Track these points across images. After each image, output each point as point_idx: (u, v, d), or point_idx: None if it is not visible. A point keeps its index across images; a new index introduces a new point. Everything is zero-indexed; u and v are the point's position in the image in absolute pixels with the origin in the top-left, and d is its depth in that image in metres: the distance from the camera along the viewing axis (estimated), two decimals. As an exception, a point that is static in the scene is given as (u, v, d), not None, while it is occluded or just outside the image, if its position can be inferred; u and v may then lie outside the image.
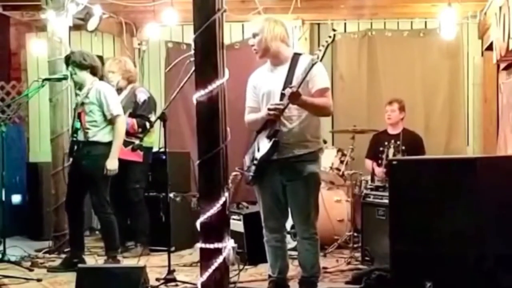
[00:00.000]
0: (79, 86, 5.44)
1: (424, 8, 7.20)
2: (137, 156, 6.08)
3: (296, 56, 4.22)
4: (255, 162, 4.25)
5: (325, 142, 5.16)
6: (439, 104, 7.56)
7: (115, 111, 5.33)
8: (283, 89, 4.10)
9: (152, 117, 6.12)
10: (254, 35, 4.23)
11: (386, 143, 6.32)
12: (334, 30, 3.97)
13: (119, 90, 6.12)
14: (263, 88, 4.31)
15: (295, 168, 4.16)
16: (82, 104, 5.35)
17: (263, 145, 4.20)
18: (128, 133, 6.04)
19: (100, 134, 5.32)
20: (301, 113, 4.13)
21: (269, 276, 4.43)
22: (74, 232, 5.51)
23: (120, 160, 5.90)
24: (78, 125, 5.34)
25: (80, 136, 5.32)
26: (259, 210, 4.44)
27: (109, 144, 5.36)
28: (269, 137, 4.15)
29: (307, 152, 4.18)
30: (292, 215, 4.34)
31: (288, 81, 4.12)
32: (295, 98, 3.99)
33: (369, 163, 6.65)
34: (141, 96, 6.18)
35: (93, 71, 5.37)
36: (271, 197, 4.28)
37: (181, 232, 6.11)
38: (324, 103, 4.15)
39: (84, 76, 5.36)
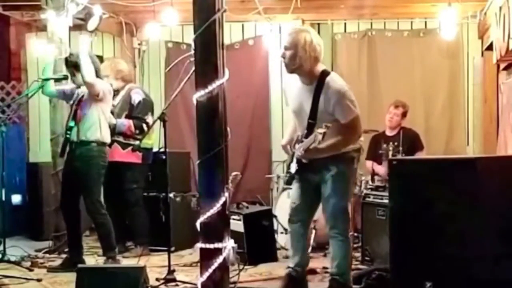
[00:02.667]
0: (78, 87, 5.44)
1: (424, 8, 7.20)
2: (136, 157, 6.08)
3: (322, 76, 4.14)
4: (289, 171, 4.37)
5: None
6: (439, 104, 7.56)
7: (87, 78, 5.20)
8: (310, 117, 4.13)
9: (149, 118, 6.13)
10: (286, 48, 4.13)
11: (384, 145, 6.34)
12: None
13: (116, 92, 6.11)
14: (293, 103, 4.36)
15: (325, 168, 4.22)
16: (79, 102, 5.34)
17: (294, 162, 4.30)
18: (126, 135, 6.05)
19: (92, 131, 5.28)
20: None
21: (288, 266, 4.48)
22: (71, 233, 5.50)
23: (118, 162, 5.91)
24: (72, 123, 5.33)
25: (73, 135, 5.30)
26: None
27: (102, 145, 5.36)
28: (297, 160, 4.26)
29: (336, 153, 4.19)
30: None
31: (314, 108, 4.12)
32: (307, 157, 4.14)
33: (369, 164, 6.65)
34: (136, 98, 6.17)
35: None
36: (300, 192, 4.37)
37: (181, 232, 6.11)
38: (345, 140, 4.13)
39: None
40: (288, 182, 4.47)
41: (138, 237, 6.13)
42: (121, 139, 6.03)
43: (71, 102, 5.48)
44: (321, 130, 3.93)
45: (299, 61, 4.09)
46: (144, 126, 6.05)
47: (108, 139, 5.46)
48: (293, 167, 4.28)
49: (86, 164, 5.30)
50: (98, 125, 5.32)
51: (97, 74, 5.36)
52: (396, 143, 6.28)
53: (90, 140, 5.30)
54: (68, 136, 5.34)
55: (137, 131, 6.05)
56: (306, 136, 4.15)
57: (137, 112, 6.13)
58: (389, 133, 6.63)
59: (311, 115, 4.13)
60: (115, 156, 5.92)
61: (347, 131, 4.12)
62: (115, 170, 5.86)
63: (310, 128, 4.13)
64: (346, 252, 4.32)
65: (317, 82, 4.13)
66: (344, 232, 4.30)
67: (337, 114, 4.09)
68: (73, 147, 5.34)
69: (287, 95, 4.46)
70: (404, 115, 6.62)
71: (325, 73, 4.17)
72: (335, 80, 4.17)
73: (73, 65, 5.35)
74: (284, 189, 6.34)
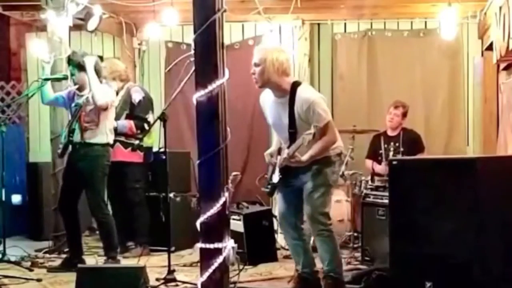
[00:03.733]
0: (79, 87, 5.43)
1: (424, 8, 7.20)
2: (138, 157, 6.09)
3: (294, 88, 4.30)
4: (271, 182, 4.44)
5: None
6: (439, 104, 7.55)
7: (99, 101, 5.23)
8: (289, 127, 4.27)
9: (149, 117, 6.15)
10: (256, 65, 4.31)
11: (386, 145, 6.34)
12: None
13: (116, 92, 6.11)
14: (269, 117, 4.52)
15: (305, 170, 4.32)
16: (82, 105, 5.34)
17: (276, 171, 4.39)
18: (127, 135, 6.05)
19: (97, 135, 5.31)
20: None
21: (296, 270, 4.58)
22: (71, 233, 5.50)
23: (120, 161, 5.91)
24: (76, 125, 5.32)
25: (77, 137, 5.30)
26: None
27: (106, 145, 5.36)
28: (280, 169, 4.36)
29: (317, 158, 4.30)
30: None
31: (291, 118, 4.26)
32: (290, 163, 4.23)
33: (369, 163, 6.66)
34: (136, 97, 6.18)
35: None
36: (284, 199, 4.50)
37: (181, 232, 6.11)
38: (322, 147, 4.25)
39: (84, 77, 5.34)
40: (271, 193, 4.53)
41: (140, 237, 6.12)
42: (122, 138, 6.04)
43: (73, 105, 5.47)
44: (310, 131, 4.04)
45: (267, 75, 4.27)
46: (145, 125, 6.06)
47: (111, 140, 5.47)
48: (276, 177, 4.38)
49: (91, 164, 5.30)
50: (104, 130, 5.34)
51: (98, 76, 5.36)
52: (397, 144, 6.30)
53: (94, 143, 5.31)
54: (71, 138, 5.32)
55: (139, 131, 6.07)
56: (289, 147, 4.27)
57: (138, 111, 6.14)
58: (390, 133, 6.63)
59: (290, 125, 4.29)
60: (117, 155, 5.93)
61: (321, 138, 4.22)
62: (118, 170, 5.86)
63: (292, 137, 4.27)
64: (333, 246, 4.43)
65: (290, 94, 4.29)
66: (328, 226, 4.40)
67: (314, 120, 4.20)
68: (76, 148, 5.33)
69: (264, 106, 4.58)
70: (404, 115, 6.62)
71: (295, 84, 4.35)
72: (305, 90, 4.35)
73: (75, 64, 5.35)
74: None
